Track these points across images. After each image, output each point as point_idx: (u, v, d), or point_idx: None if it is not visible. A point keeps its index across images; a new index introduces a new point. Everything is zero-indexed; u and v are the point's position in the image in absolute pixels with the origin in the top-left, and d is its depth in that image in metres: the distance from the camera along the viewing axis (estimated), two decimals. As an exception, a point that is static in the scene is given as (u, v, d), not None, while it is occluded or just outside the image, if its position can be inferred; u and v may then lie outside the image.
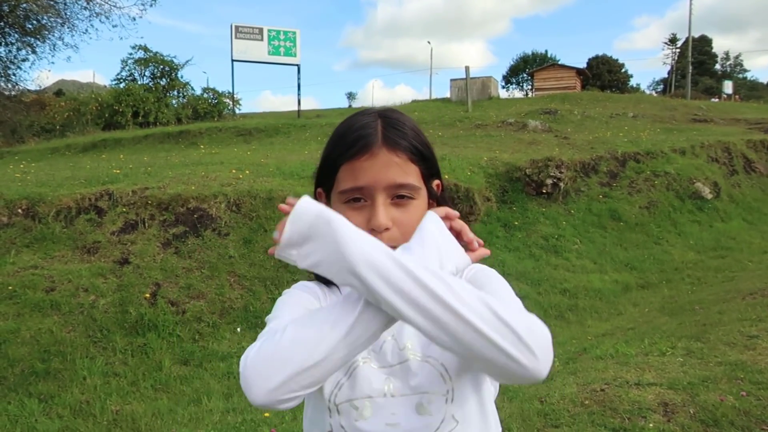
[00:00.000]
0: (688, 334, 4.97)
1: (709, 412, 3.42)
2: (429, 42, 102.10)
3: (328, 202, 1.04)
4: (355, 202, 0.99)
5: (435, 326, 0.82)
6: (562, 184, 10.44)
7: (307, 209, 0.88)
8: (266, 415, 4.27)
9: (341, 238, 0.85)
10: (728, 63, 78.18)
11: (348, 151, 0.99)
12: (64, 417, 4.72)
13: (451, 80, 28.14)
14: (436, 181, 1.08)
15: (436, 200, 1.07)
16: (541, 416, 3.58)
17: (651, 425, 3.32)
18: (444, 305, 0.81)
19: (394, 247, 0.96)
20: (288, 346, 0.85)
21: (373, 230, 0.97)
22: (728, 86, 41.22)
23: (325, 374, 0.85)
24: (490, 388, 1.07)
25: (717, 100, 36.86)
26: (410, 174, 0.99)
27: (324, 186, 1.06)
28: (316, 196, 1.08)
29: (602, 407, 3.59)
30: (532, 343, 0.83)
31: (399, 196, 0.99)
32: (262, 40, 22.87)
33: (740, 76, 74.72)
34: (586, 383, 4.01)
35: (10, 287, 5.96)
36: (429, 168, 1.04)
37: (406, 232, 0.98)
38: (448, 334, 0.82)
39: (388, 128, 1.00)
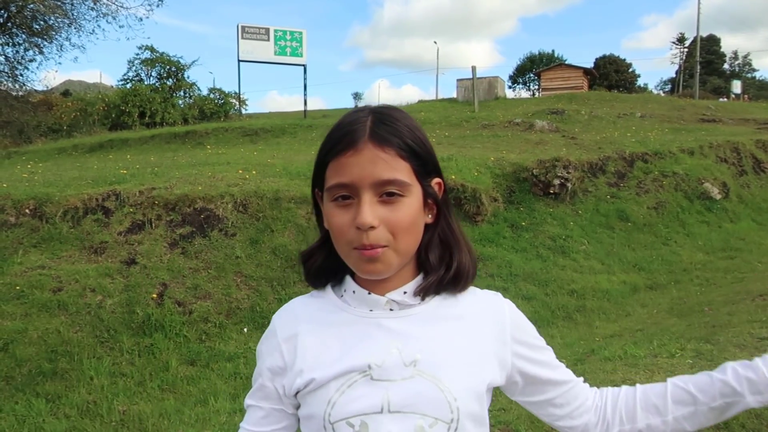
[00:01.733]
0: (697, 336, 4.93)
1: (720, 414, 3.38)
2: (435, 42, 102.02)
3: (323, 201, 1.01)
4: (344, 199, 0.95)
5: None
6: (569, 185, 10.40)
7: None
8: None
9: None
10: (737, 62, 77.82)
11: (334, 147, 0.96)
12: (72, 417, 4.73)
13: (458, 80, 28.12)
14: (436, 180, 1.02)
15: (435, 200, 1.02)
16: (550, 418, 3.55)
17: (661, 428, 3.29)
18: None
19: (382, 246, 0.94)
20: None
21: (359, 228, 0.93)
22: (737, 86, 40.97)
23: None
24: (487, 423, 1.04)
25: (726, 99, 36.70)
26: (399, 170, 0.94)
27: (318, 185, 1.02)
28: (314, 196, 1.05)
29: (611, 409, 3.56)
30: None
31: (388, 193, 0.94)
32: (268, 40, 22.89)
33: (749, 75, 74.35)
34: (595, 385, 3.97)
35: (17, 287, 5.97)
36: (423, 165, 0.98)
37: (396, 231, 0.94)
38: None
39: (378, 124, 0.96)
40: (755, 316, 5.27)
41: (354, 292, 1.03)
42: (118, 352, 5.61)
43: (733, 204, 11.81)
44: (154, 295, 6.20)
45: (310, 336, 1.02)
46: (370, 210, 0.93)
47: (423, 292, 1.02)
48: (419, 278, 1.03)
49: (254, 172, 8.90)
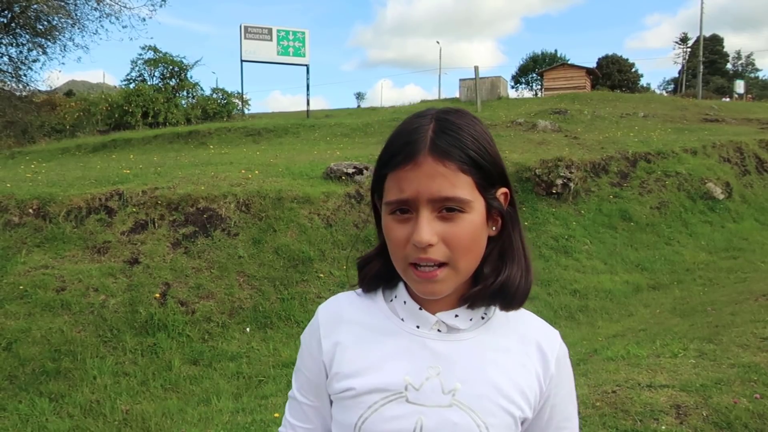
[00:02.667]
0: (700, 336, 4.93)
1: (723, 414, 3.38)
2: (438, 42, 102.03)
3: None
4: (402, 213, 0.91)
5: None
6: (572, 185, 10.39)
7: None
8: (276, 415, 4.27)
9: None
10: (740, 62, 77.60)
11: (393, 159, 0.91)
12: (75, 416, 4.74)
13: (460, 80, 28.07)
14: (502, 190, 0.96)
15: (500, 212, 0.96)
16: (552, 418, 3.55)
17: (663, 428, 3.29)
18: None
19: (441, 264, 0.90)
20: None
21: (416, 246, 0.89)
22: (740, 85, 40.87)
23: None
24: None
25: (729, 99, 36.60)
26: (459, 186, 0.89)
27: (377, 193, 0.98)
28: (374, 202, 1.01)
29: (614, 409, 3.56)
30: None
31: (448, 209, 0.89)
32: (271, 40, 22.91)
33: (752, 75, 74.16)
34: (598, 385, 3.98)
35: (21, 287, 5.99)
36: (486, 177, 0.92)
37: (455, 248, 0.90)
38: None
39: (439, 134, 0.90)
40: (758, 316, 5.26)
41: (405, 302, 1.00)
42: (121, 352, 5.62)
43: (736, 204, 11.79)
44: (157, 295, 6.21)
45: (352, 340, 1.00)
46: (428, 227, 0.89)
47: (470, 303, 0.97)
48: (472, 289, 0.98)
49: (257, 172, 8.91)
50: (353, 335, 1.00)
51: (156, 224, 7.14)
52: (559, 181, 10.28)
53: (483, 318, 1.00)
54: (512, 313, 1.02)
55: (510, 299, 0.97)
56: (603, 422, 3.42)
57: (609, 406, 3.61)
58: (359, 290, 1.06)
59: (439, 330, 0.98)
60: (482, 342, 0.98)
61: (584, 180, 10.86)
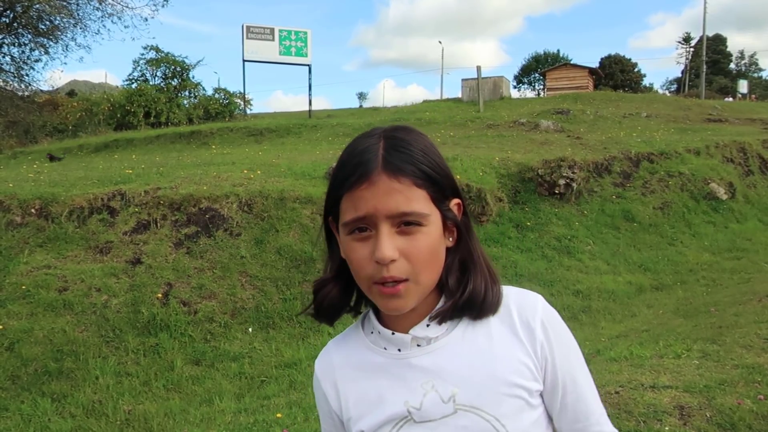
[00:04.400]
0: (703, 337, 4.91)
1: (726, 415, 3.37)
2: (440, 42, 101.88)
3: (338, 231, 0.98)
4: (360, 232, 0.92)
5: None
6: (574, 185, 10.37)
7: None
8: (278, 415, 4.26)
9: None
10: (743, 62, 77.50)
11: (347, 180, 0.92)
12: (77, 416, 4.74)
13: (463, 80, 28.07)
14: (455, 201, 0.98)
15: (455, 223, 0.98)
16: (555, 419, 3.54)
17: (667, 428, 3.28)
18: None
19: (403, 280, 0.91)
20: None
21: (378, 263, 0.90)
22: (743, 85, 40.79)
23: None
24: None
25: (732, 99, 36.53)
26: (415, 200, 0.90)
27: (332, 215, 0.98)
28: (327, 224, 1.02)
29: (617, 410, 3.54)
30: None
31: (406, 223, 0.90)
32: (273, 40, 22.92)
33: (755, 75, 74.04)
34: (601, 386, 3.96)
35: (23, 287, 5.99)
36: (440, 190, 0.94)
37: (416, 262, 0.91)
38: None
39: (390, 151, 0.91)
40: (762, 317, 5.25)
41: (379, 332, 1.01)
42: (124, 352, 5.62)
43: (740, 204, 11.76)
44: (159, 295, 6.21)
45: (349, 383, 1.02)
46: (389, 242, 0.89)
47: (440, 318, 0.98)
48: (441, 304, 0.99)
49: (259, 172, 8.91)
50: (349, 379, 1.02)
51: (158, 224, 7.14)
52: (561, 182, 10.27)
53: (455, 320, 1.00)
54: None
55: (478, 310, 0.98)
56: (606, 423, 3.40)
57: (612, 406, 3.60)
58: (345, 331, 1.08)
59: (418, 345, 0.98)
60: (463, 340, 0.98)
61: (587, 180, 10.84)
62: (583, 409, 1.01)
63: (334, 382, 1.04)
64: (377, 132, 0.96)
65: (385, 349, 1.01)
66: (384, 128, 0.97)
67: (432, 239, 0.93)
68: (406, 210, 0.90)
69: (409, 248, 0.91)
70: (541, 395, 0.99)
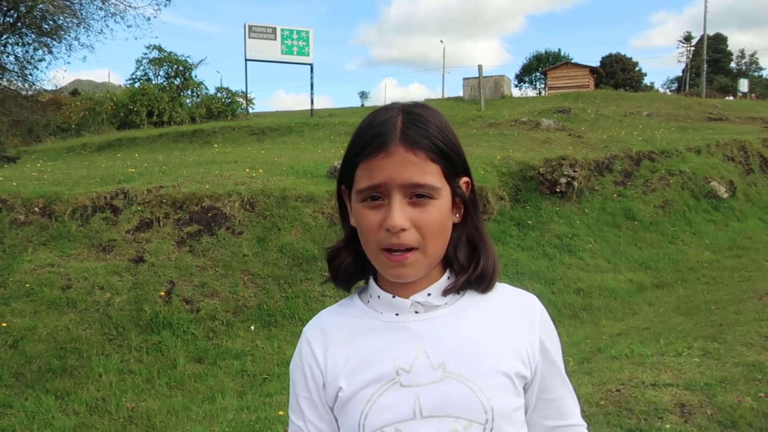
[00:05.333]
0: (704, 335, 4.93)
1: (727, 413, 3.39)
2: (441, 41, 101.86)
3: (350, 199, 1.01)
4: (373, 200, 0.95)
5: None
6: (576, 183, 10.38)
7: None
8: (280, 413, 4.29)
9: None
10: (744, 61, 77.36)
11: (364, 149, 0.95)
12: (80, 414, 4.77)
13: (464, 79, 28.09)
14: (465, 179, 1.01)
15: (462, 200, 1.01)
16: (556, 416, 3.55)
17: (668, 426, 3.30)
18: None
19: (411, 249, 0.94)
20: None
21: (389, 230, 0.93)
22: (744, 84, 40.71)
23: None
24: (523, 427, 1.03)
25: (732, 98, 36.50)
26: (429, 173, 0.94)
27: (346, 183, 1.02)
28: (339, 193, 1.05)
29: (618, 408, 3.56)
30: None
31: (418, 195, 0.93)
32: (275, 39, 22.92)
33: (756, 74, 73.88)
34: (602, 383, 3.98)
35: (27, 285, 6.02)
36: (452, 166, 0.97)
37: (425, 233, 0.94)
38: None
39: (408, 125, 0.94)
40: (762, 315, 5.26)
41: (379, 297, 1.03)
42: (127, 350, 5.65)
43: (740, 203, 11.77)
44: (162, 293, 6.24)
45: (340, 346, 1.02)
46: (400, 212, 0.92)
47: (448, 291, 1.01)
48: (445, 278, 1.02)
49: (261, 170, 8.93)
50: (341, 342, 1.03)
51: (161, 223, 7.17)
52: (562, 180, 10.28)
53: (458, 294, 1.03)
54: None
55: (486, 285, 1.03)
56: (607, 421, 3.42)
57: (613, 404, 3.62)
58: (341, 302, 1.10)
59: (416, 311, 1.01)
60: (461, 312, 1.01)
61: (588, 179, 10.85)
62: (564, 410, 1.07)
63: (325, 345, 1.04)
64: (396, 106, 0.99)
65: (381, 313, 1.02)
66: (403, 103, 1.00)
67: (442, 212, 0.96)
68: (419, 182, 0.93)
69: (420, 219, 0.94)
70: (524, 387, 1.02)
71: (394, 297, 1.01)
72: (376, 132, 0.95)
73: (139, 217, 7.20)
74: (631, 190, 11.12)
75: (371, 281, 1.05)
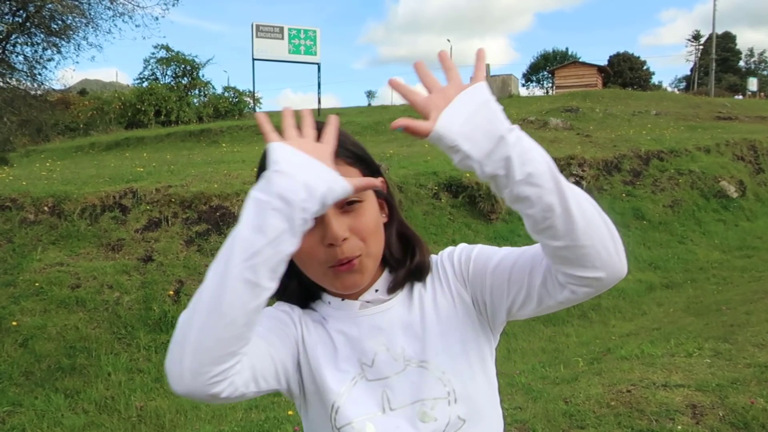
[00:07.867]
0: (715, 335, 4.90)
1: (739, 414, 3.36)
2: (449, 40, 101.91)
3: None
4: None
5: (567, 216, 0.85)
6: (584, 183, 10.35)
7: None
8: (290, 413, 4.28)
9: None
10: (753, 59, 77.00)
11: None
12: (90, 412, 4.78)
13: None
14: (380, 178, 1.02)
15: (385, 199, 1.04)
16: (567, 417, 3.54)
17: (679, 427, 3.27)
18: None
19: (356, 257, 0.94)
20: (186, 314, 0.88)
21: (332, 245, 0.92)
22: (753, 83, 40.56)
23: (231, 323, 0.85)
24: (493, 381, 1.05)
25: (741, 97, 36.31)
26: (352, 177, 0.92)
27: None
28: None
29: (629, 408, 3.54)
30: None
31: (348, 203, 0.94)
32: (282, 38, 22.97)
33: (765, 72, 73.50)
34: (612, 384, 3.96)
35: (36, 284, 6.04)
36: (369, 168, 1.01)
37: (365, 236, 0.95)
38: (577, 221, 0.85)
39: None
40: (774, 316, 5.23)
41: (330, 303, 1.04)
42: (135, 349, 5.66)
43: (750, 202, 11.70)
44: (171, 292, 6.25)
45: (311, 336, 1.02)
46: (338, 223, 0.92)
47: (394, 287, 1.03)
48: (386, 275, 1.04)
49: (269, 170, 8.93)
50: (316, 335, 1.02)
51: (169, 222, 7.18)
52: (571, 179, 10.20)
53: (401, 288, 1.05)
54: None
55: (422, 276, 1.05)
56: (618, 422, 3.40)
57: (624, 405, 3.59)
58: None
59: (368, 309, 1.02)
60: (409, 299, 1.04)
61: (596, 178, 10.82)
62: (520, 249, 1.02)
63: (300, 317, 1.03)
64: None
65: (338, 317, 1.03)
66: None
67: (373, 213, 0.98)
68: None
69: (356, 224, 0.95)
70: (485, 300, 1.01)
71: (343, 300, 1.03)
72: None
73: (147, 217, 7.21)
74: (640, 189, 11.07)
75: (319, 302, 1.06)
